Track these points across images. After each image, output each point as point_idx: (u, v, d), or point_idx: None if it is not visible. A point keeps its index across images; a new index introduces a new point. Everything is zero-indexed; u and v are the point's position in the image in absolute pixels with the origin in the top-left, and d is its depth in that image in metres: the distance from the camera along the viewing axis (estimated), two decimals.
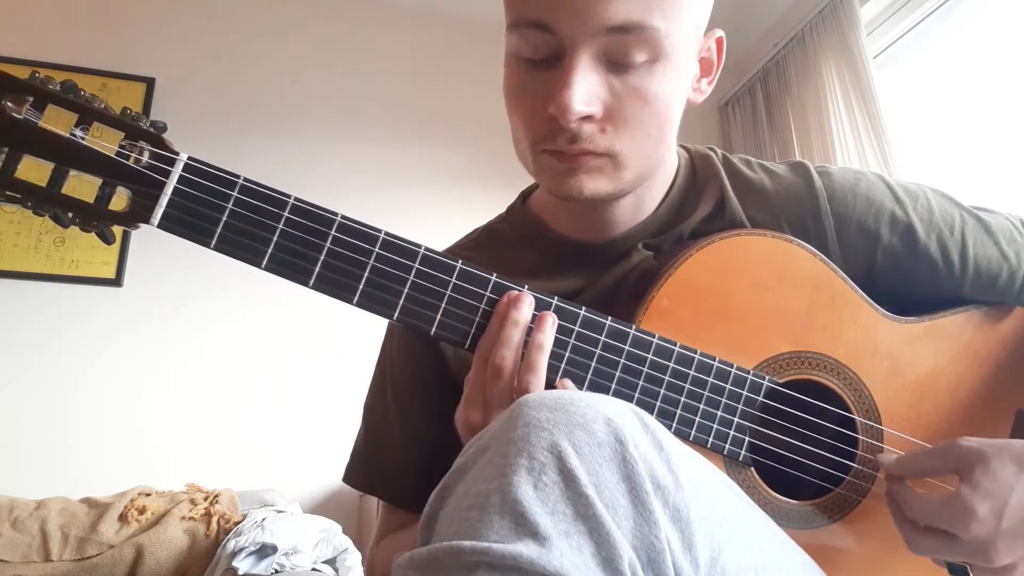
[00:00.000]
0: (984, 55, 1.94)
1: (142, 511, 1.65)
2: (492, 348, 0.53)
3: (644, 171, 0.59)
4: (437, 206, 2.39)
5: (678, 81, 0.56)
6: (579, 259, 0.67)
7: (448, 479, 0.40)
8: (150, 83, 2.28)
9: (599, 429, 0.38)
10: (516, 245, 0.70)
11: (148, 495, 1.73)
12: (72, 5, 2.30)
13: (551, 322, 0.54)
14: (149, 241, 2.17)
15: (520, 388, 0.51)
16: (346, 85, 2.50)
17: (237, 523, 1.66)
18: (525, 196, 0.74)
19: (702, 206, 0.67)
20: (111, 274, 2.12)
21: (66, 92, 0.49)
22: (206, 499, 1.72)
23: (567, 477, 0.36)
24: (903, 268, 0.66)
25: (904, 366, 0.64)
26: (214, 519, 1.66)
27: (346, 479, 0.72)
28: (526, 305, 0.53)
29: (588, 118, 0.53)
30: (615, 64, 0.53)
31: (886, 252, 0.65)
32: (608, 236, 0.66)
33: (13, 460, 1.93)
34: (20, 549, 1.54)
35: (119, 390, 2.06)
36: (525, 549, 0.33)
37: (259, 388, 2.16)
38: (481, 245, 0.72)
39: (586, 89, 0.52)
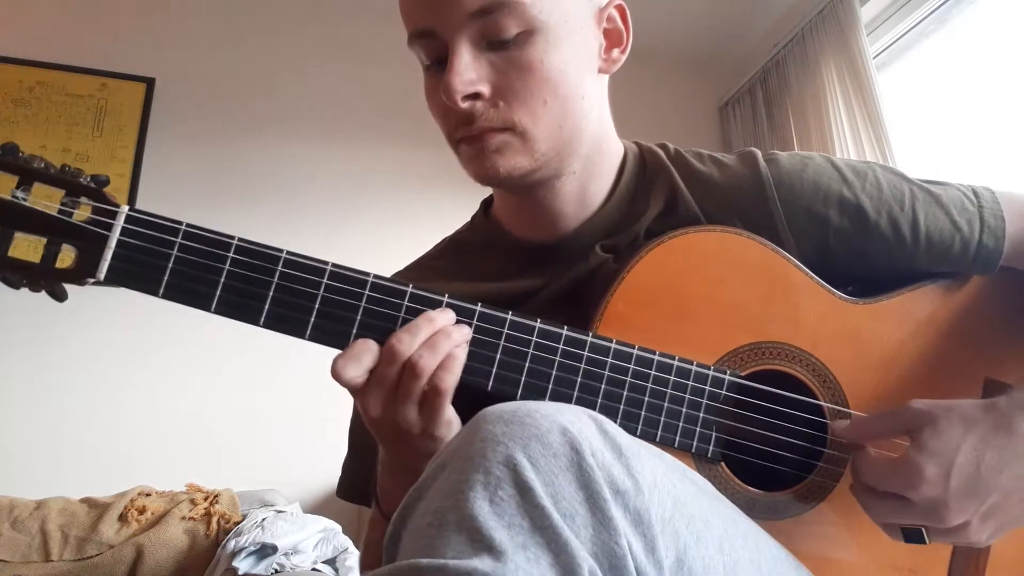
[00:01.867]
0: (984, 55, 1.94)
1: (142, 511, 1.65)
2: (409, 345, 0.52)
3: (560, 143, 0.60)
4: (438, 204, 2.39)
5: (568, 51, 0.58)
6: (537, 259, 0.68)
7: (409, 498, 0.41)
8: (150, 83, 2.28)
9: (555, 440, 0.38)
10: (479, 252, 0.72)
11: (148, 495, 1.73)
12: (72, 5, 2.30)
13: (467, 331, 0.55)
14: None
15: (433, 384, 0.52)
16: (346, 84, 2.50)
17: (237, 523, 1.66)
18: (487, 205, 0.76)
19: (654, 203, 0.67)
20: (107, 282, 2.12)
21: (5, 155, 0.50)
22: (206, 499, 1.72)
23: (523, 490, 0.36)
24: (857, 248, 0.66)
25: (866, 347, 0.64)
26: (214, 519, 1.66)
27: (339, 493, 0.74)
28: (443, 317, 0.54)
29: (477, 96, 0.56)
30: (494, 43, 0.56)
31: (838, 235, 0.66)
32: (559, 233, 0.67)
33: (13, 460, 1.93)
34: (20, 549, 1.54)
35: (119, 390, 2.06)
36: (480, 564, 0.33)
37: (259, 388, 2.16)
38: (447, 254, 0.74)
39: (466, 70, 0.55)
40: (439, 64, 0.58)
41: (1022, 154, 1.76)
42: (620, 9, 0.64)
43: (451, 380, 0.52)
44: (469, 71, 0.55)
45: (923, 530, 0.52)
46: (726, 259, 0.61)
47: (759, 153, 0.68)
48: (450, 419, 0.54)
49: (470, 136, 0.58)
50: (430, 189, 2.46)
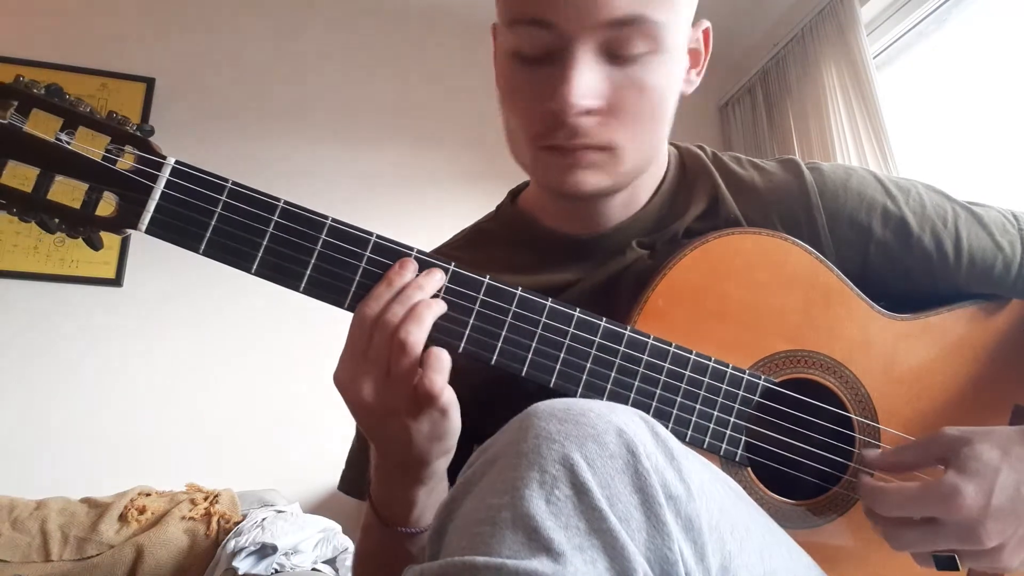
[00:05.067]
0: (984, 55, 1.94)
1: (142, 511, 1.65)
2: (368, 303, 0.51)
3: (641, 164, 0.60)
4: (436, 204, 2.39)
5: (675, 73, 0.57)
6: (570, 253, 0.67)
7: (455, 491, 0.40)
8: (150, 83, 2.28)
9: (611, 440, 0.38)
10: (506, 243, 0.70)
11: (148, 495, 1.73)
12: (72, 5, 2.30)
13: (439, 277, 0.53)
14: (149, 241, 2.16)
15: (397, 339, 0.49)
16: (345, 84, 2.50)
17: (237, 523, 1.65)
18: (514, 195, 0.74)
19: (695, 204, 0.66)
20: (111, 274, 2.12)
21: (51, 96, 0.48)
22: (206, 499, 1.72)
23: (580, 491, 0.36)
24: (897, 262, 0.66)
25: (901, 363, 0.64)
26: (214, 519, 1.66)
27: (341, 487, 0.72)
28: (408, 270, 0.52)
29: (588, 112, 0.53)
30: (615, 56, 0.53)
31: (879, 246, 0.65)
32: (599, 230, 0.66)
33: (13, 460, 1.92)
34: (20, 549, 1.54)
35: (118, 390, 2.06)
36: (540, 565, 0.32)
37: (259, 388, 2.16)
38: (470, 244, 0.73)
39: (587, 83, 0.52)
40: (540, 58, 0.54)
41: (1021, 154, 1.76)
42: (706, 32, 0.63)
43: (417, 333, 0.49)
44: (590, 83, 0.52)
45: (956, 556, 0.50)
46: (769, 263, 0.61)
47: (801, 161, 0.68)
48: (445, 406, 0.51)
49: (564, 148, 0.55)
50: (437, 190, 2.46)
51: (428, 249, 0.74)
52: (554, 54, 0.53)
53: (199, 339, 2.16)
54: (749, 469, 0.59)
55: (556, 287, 0.65)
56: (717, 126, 2.91)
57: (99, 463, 1.97)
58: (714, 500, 0.41)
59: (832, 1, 2.23)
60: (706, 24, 0.63)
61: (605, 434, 0.38)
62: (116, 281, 2.13)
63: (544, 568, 0.32)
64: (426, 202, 2.42)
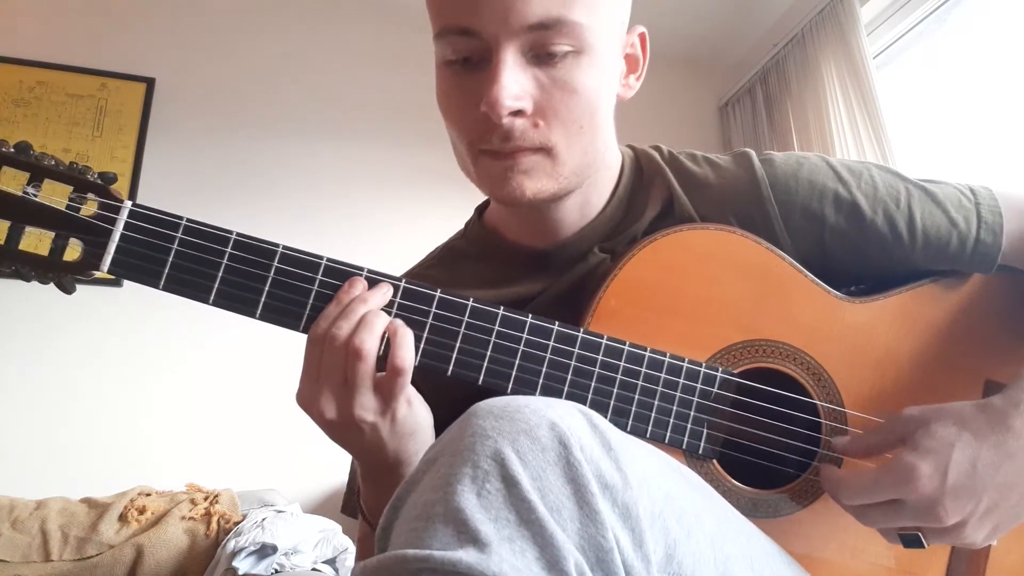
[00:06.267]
0: (984, 55, 1.94)
1: (142, 511, 1.65)
2: (318, 323, 0.54)
3: (582, 166, 0.60)
4: (440, 204, 2.39)
5: (605, 75, 0.58)
6: (535, 265, 0.68)
7: (401, 491, 0.41)
8: (150, 83, 2.28)
9: (543, 434, 0.39)
10: (474, 258, 0.72)
11: (148, 495, 1.73)
12: (72, 5, 2.30)
13: (385, 290, 0.55)
14: None
15: (352, 347, 0.51)
16: (345, 84, 2.50)
17: (237, 523, 1.66)
18: (481, 211, 0.75)
19: (651, 205, 0.67)
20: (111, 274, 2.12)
21: (19, 153, 0.52)
22: (206, 499, 1.72)
23: (510, 484, 0.37)
24: (853, 246, 0.66)
25: (862, 346, 0.63)
26: (214, 519, 1.66)
27: (343, 510, 0.74)
28: (357, 288, 0.55)
29: (519, 113, 0.55)
30: (540, 59, 0.54)
31: (834, 233, 0.66)
32: (559, 239, 0.67)
33: (13, 460, 1.92)
34: (20, 549, 1.54)
35: (119, 390, 2.06)
36: (465, 555, 0.34)
37: (259, 388, 2.16)
38: (442, 262, 0.74)
39: (514, 84, 0.53)
40: (469, 63, 0.56)
41: (1021, 153, 1.76)
42: (642, 36, 0.64)
43: (370, 340, 0.51)
44: (518, 85, 0.53)
45: (920, 535, 0.51)
46: (720, 256, 0.61)
47: (754, 153, 0.68)
48: (409, 397, 0.54)
49: (500, 152, 0.56)
50: (434, 189, 2.45)
51: (409, 264, 0.75)
52: (482, 61, 0.55)
53: (199, 339, 2.16)
54: (715, 461, 0.60)
55: (526, 299, 0.66)
56: (717, 126, 2.91)
57: (99, 463, 1.97)
58: (658, 488, 0.42)
59: (832, 1, 2.23)
60: (641, 29, 0.64)
61: (538, 428, 0.39)
62: (116, 281, 2.13)
63: (468, 558, 0.33)
64: (430, 199, 2.42)
